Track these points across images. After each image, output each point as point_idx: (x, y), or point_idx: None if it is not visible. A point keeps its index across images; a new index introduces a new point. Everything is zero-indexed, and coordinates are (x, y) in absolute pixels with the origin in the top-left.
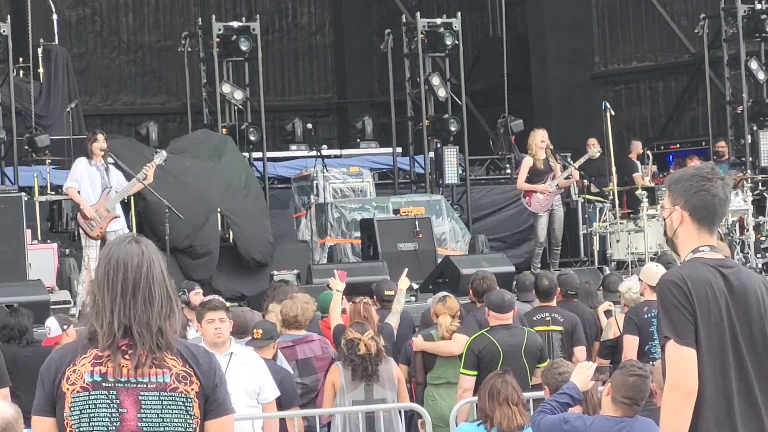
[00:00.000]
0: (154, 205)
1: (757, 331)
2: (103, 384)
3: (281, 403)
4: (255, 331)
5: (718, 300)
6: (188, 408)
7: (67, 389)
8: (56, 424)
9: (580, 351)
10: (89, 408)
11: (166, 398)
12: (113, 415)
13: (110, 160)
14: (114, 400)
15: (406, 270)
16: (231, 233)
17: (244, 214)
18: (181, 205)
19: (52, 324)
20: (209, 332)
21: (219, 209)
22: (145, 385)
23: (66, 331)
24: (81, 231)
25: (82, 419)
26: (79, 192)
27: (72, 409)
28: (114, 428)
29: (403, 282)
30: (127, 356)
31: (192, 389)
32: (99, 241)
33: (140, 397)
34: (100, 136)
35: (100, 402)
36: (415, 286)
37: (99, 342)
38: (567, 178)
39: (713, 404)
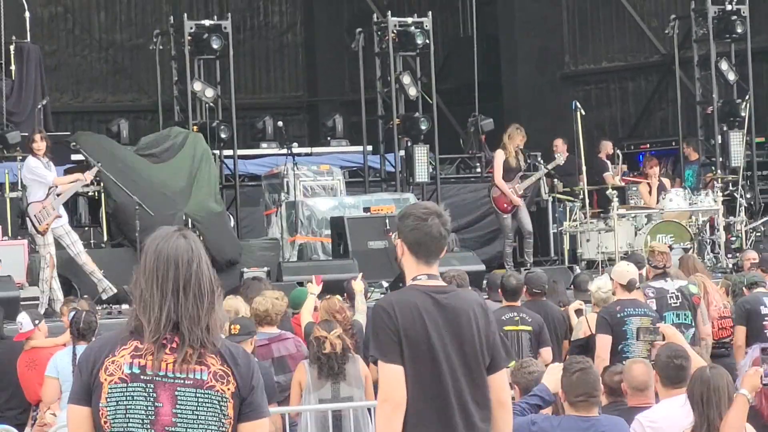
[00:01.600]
0: (124, 206)
1: (469, 347)
2: (142, 377)
3: None
4: (232, 326)
5: (425, 321)
6: (223, 407)
7: (105, 380)
8: (91, 413)
9: (546, 352)
10: (126, 400)
11: (202, 396)
12: (149, 408)
13: (48, 156)
14: (151, 394)
15: (360, 275)
16: (199, 235)
17: (209, 215)
18: (149, 206)
19: (23, 319)
20: None
21: (185, 212)
22: (182, 381)
23: (38, 326)
24: (30, 227)
25: (118, 411)
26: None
27: (108, 400)
28: (149, 422)
29: (358, 285)
30: (167, 351)
31: (228, 389)
32: (48, 237)
33: (176, 393)
34: (37, 136)
35: (137, 394)
36: (385, 284)
37: (144, 336)
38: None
39: (421, 413)
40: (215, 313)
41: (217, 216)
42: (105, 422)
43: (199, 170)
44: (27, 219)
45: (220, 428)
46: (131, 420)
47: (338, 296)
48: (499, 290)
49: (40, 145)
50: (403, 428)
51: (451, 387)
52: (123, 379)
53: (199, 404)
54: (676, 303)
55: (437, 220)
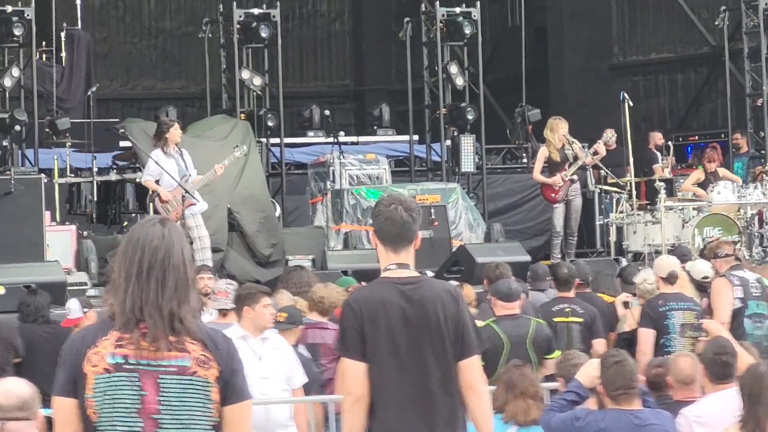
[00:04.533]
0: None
1: (437, 337)
2: (125, 366)
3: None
4: (279, 314)
5: (390, 314)
6: (207, 393)
7: (89, 370)
8: (77, 404)
9: (599, 344)
10: (112, 390)
11: (186, 382)
12: (134, 397)
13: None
14: (135, 383)
15: None
16: (241, 229)
17: (253, 209)
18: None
19: (73, 305)
20: (265, 317)
21: (228, 205)
22: (165, 369)
23: (86, 314)
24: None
25: (104, 401)
26: (157, 182)
27: (95, 390)
28: (135, 410)
29: None
30: (145, 339)
31: (211, 374)
32: (199, 219)
33: (159, 380)
34: (177, 125)
35: (122, 384)
36: (430, 274)
37: (116, 322)
38: (595, 154)
39: (391, 401)
40: (185, 302)
41: (260, 210)
42: (93, 413)
43: (248, 161)
44: (153, 206)
45: (206, 413)
46: (117, 409)
47: None
48: (552, 280)
49: (177, 135)
50: (375, 419)
51: (419, 378)
52: (107, 369)
53: (184, 391)
54: (758, 293)
55: (400, 207)
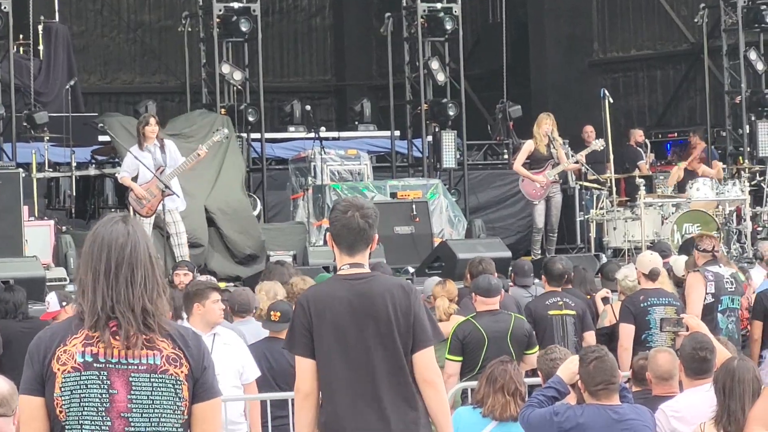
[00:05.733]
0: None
1: (385, 328)
2: (95, 365)
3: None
4: (272, 313)
5: (336, 307)
6: (177, 390)
7: (58, 369)
8: (44, 403)
9: (590, 336)
10: (80, 389)
11: (157, 380)
12: (104, 396)
13: (166, 139)
14: (105, 381)
15: None
16: (220, 229)
17: (231, 208)
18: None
19: (51, 299)
20: (215, 312)
21: (205, 205)
22: (135, 367)
23: (65, 307)
24: (132, 210)
25: (72, 400)
26: (135, 178)
27: (63, 389)
28: (104, 409)
29: None
30: (117, 337)
31: (182, 372)
32: (152, 219)
33: (131, 379)
34: (152, 120)
35: (91, 383)
36: (411, 270)
37: (85, 321)
38: (576, 162)
39: (339, 393)
40: (158, 300)
41: (239, 209)
42: (60, 412)
43: (226, 157)
44: (128, 202)
45: (176, 411)
46: (86, 408)
47: None
48: (543, 275)
49: (153, 128)
50: (324, 412)
51: (366, 370)
52: (76, 368)
53: (154, 389)
54: (732, 288)
55: (356, 213)
